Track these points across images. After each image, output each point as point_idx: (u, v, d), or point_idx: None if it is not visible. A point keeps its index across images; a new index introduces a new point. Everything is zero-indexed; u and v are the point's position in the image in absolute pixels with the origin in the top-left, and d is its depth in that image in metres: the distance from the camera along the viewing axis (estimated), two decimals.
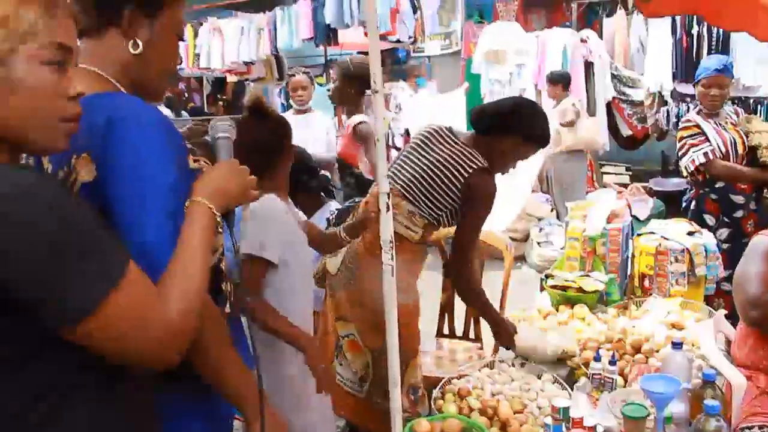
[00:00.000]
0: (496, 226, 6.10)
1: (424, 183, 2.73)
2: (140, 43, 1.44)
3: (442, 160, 2.73)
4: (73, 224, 1.05)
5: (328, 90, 4.44)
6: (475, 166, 2.71)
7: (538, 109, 2.96)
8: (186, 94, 13.96)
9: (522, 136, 2.78)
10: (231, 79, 11.09)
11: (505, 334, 2.90)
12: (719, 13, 3.34)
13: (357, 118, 4.17)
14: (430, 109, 8.06)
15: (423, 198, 2.73)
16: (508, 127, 2.77)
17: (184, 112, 11.92)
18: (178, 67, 9.71)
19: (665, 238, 3.59)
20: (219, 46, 9.47)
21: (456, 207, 2.74)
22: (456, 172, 2.71)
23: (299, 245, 2.42)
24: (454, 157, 2.73)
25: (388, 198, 2.07)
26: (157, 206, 1.31)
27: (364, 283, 2.72)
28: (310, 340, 2.32)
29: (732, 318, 2.79)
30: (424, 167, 2.76)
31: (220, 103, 13.43)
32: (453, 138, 2.80)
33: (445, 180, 2.71)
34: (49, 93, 1.12)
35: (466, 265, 2.81)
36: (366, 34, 2.33)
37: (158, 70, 1.50)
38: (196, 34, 9.67)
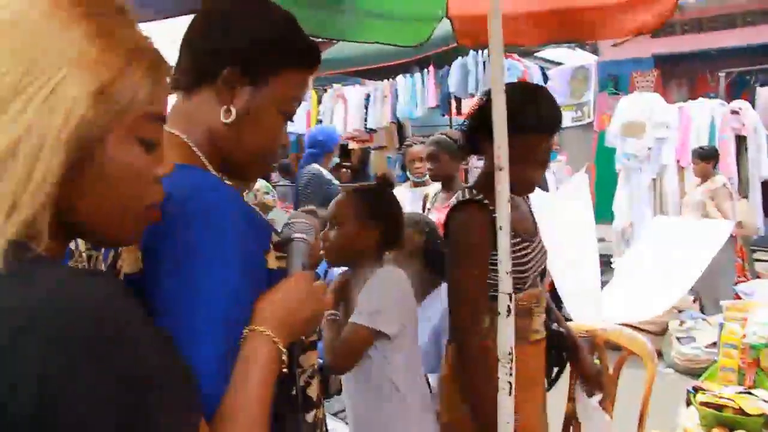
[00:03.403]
0: (635, 314, 5.37)
1: None
2: (233, 111, 1.17)
3: None
4: (150, 366, 0.76)
5: (430, 169, 4.18)
6: (453, 205, 2.17)
7: (521, 90, 2.20)
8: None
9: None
10: (353, 146, 11.06)
11: None
12: None
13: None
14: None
15: None
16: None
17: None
18: (297, 134, 9.73)
19: None
20: (342, 112, 9.43)
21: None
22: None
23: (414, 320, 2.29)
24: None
25: (510, 300, 1.74)
26: (213, 323, 0.99)
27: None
28: None
29: None
30: None
31: (344, 169, 13.45)
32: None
33: None
34: (138, 176, 0.86)
35: (471, 329, 2.07)
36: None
37: (250, 148, 1.22)
38: (319, 101, 9.68)
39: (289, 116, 1.25)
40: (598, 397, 2.48)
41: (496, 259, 2.01)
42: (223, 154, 1.20)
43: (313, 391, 1.25)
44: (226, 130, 1.18)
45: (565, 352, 2.44)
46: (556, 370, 2.46)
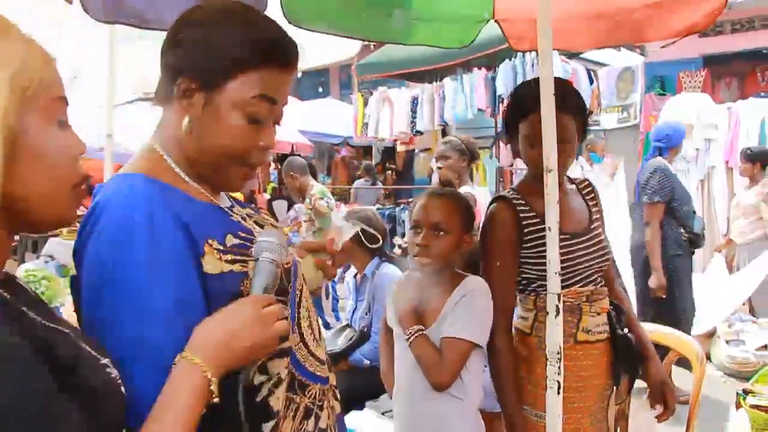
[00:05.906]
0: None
1: None
2: (187, 119, 1.17)
3: None
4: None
5: (439, 167, 4.45)
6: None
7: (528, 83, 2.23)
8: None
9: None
10: (400, 148, 11.12)
11: None
12: None
13: (464, 189, 4.13)
14: None
15: None
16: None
17: (380, 183, 12.00)
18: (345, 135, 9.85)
19: None
20: (388, 115, 9.48)
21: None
22: None
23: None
24: None
25: (558, 300, 1.74)
26: (130, 346, 1.02)
27: None
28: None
29: None
30: None
31: (389, 171, 13.53)
32: None
33: None
34: (61, 154, 0.91)
35: (495, 325, 2.12)
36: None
37: (211, 151, 1.19)
38: (365, 103, 9.75)
39: (255, 117, 1.19)
40: (656, 411, 2.29)
41: (528, 256, 2.12)
42: (191, 162, 1.20)
43: (275, 401, 1.18)
44: (189, 138, 1.18)
45: (631, 358, 2.25)
46: (627, 378, 2.27)
